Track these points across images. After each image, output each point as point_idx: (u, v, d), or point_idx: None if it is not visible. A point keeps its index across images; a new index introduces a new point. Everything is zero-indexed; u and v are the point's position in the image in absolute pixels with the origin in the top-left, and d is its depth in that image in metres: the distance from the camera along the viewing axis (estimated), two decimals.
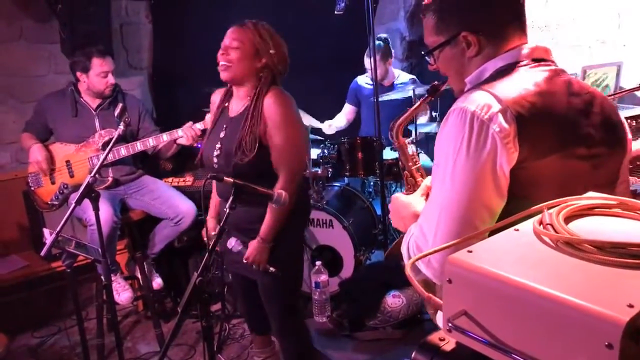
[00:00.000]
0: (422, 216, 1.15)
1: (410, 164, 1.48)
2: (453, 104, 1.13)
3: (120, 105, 2.30)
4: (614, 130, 1.20)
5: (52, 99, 3.14)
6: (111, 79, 3.07)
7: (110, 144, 2.25)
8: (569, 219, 0.91)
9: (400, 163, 1.50)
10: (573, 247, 0.80)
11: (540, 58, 1.19)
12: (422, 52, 1.27)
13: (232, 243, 2.10)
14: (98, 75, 3.02)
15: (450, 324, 0.79)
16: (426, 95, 1.45)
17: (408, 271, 0.92)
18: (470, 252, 0.82)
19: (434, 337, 0.86)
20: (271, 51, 2.14)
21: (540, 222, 0.90)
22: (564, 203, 0.97)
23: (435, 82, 1.39)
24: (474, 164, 1.04)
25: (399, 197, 1.38)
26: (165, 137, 2.99)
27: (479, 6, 1.17)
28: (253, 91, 2.16)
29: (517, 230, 0.90)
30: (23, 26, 3.53)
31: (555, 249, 0.82)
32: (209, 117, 2.76)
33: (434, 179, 1.14)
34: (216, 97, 2.40)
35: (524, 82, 1.11)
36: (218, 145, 2.21)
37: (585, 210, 0.94)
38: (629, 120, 2.78)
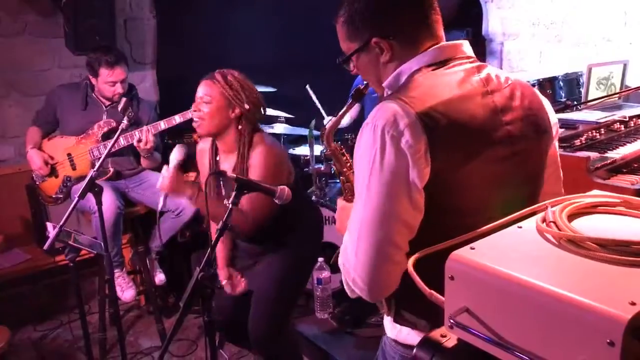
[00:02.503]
0: (346, 233, 1.13)
1: (345, 169, 1.46)
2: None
3: (124, 99, 2.29)
4: (537, 120, 1.19)
5: (65, 90, 3.15)
6: (119, 88, 3.03)
7: (114, 138, 2.26)
8: (572, 216, 0.90)
9: (335, 169, 1.47)
10: (576, 244, 0.80)
11: (454, 56, 1.16)
12: (338, 60, 1.26)
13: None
14: (106, 84, 3.02)
15: (452, 321, 0.79)
16: (351, 101, 1.40)
17: (410, 269, 0.92)
18: (473, 249, 0.82)
19: (435, 334, 0.86)
20: (246, 106, 2.15)
21: (544, 220, 0.89)
22: (567, 201, 0.96)
23: (360, 86, 1.37)
24: (388, 179, 1.03)
25: (344, 205, 1.36)
26: (163, 124, 2.98)
27: (387, 11, 1.16)
28: (237, 144, 2.18)
29: (520, 227, 0.90)
30: (27, 21, 3.53)
31: (558, 246, 0.82)
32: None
33: (355, 195, 1.12)
34: (203, 146, 2.37)
35: (437, 88, 1.09)
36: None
37: (589, 208, 0.94)
38: (635, 119, 2.76)
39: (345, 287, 1.18)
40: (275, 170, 2.16)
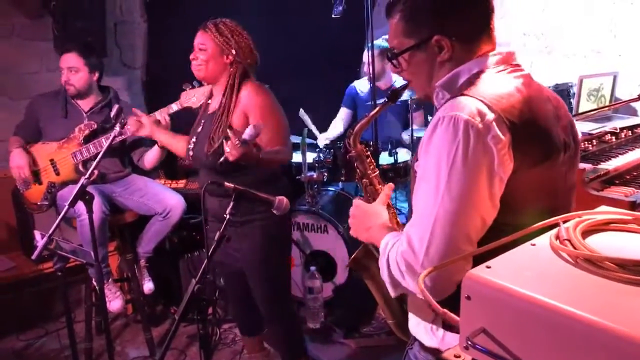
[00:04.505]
0: (409, 228, 1.09)
1: (369, 171, 1.45)
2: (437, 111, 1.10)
3: (117, 106, 2.25)
4: (573, 131, 1.20)
5: (44, 99, 3.09)
6: (64, 76, 2.97)
7: (105, 146, 2.23)
8: (585, 233, 0.89)
9: (358, 171, 1.46)
10: (594, 264, 0.79)
11: (509, 63, 1.17)
12: (388, 55, 1.23)
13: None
14: (61, 72, 2.99)
15: (468, 342, 0.77)
16: (386, 100, 1.40)
17: (421, 286, 0.90)
18: (489, 267, 0.80)
19: (448, 355, 0.84)
20: (233, 50, 2.25)
21: (557, 237, 0.88)
22: (578, 217, 0.95)
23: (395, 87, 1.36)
24: (471, 174, 1.01)
25: (363, 205, 1.33)
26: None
27: (454, 10, 1.14)
28: (225, 85, 2.30)
29: (534, 245, 0.88)
30: (16, 23, 3.47)
31: (575, 265, 0.80)
32: (183, 96, 2.69)
33: (421, 191, 1.08)
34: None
35: (508, 88, 1.09)
36: (194, 139, 2.37)
37: (601, 225, 0.93)
38: (625, 130, 2.79)
39: (390, 284, 1.13)
40: (273, 108, 2.26)
